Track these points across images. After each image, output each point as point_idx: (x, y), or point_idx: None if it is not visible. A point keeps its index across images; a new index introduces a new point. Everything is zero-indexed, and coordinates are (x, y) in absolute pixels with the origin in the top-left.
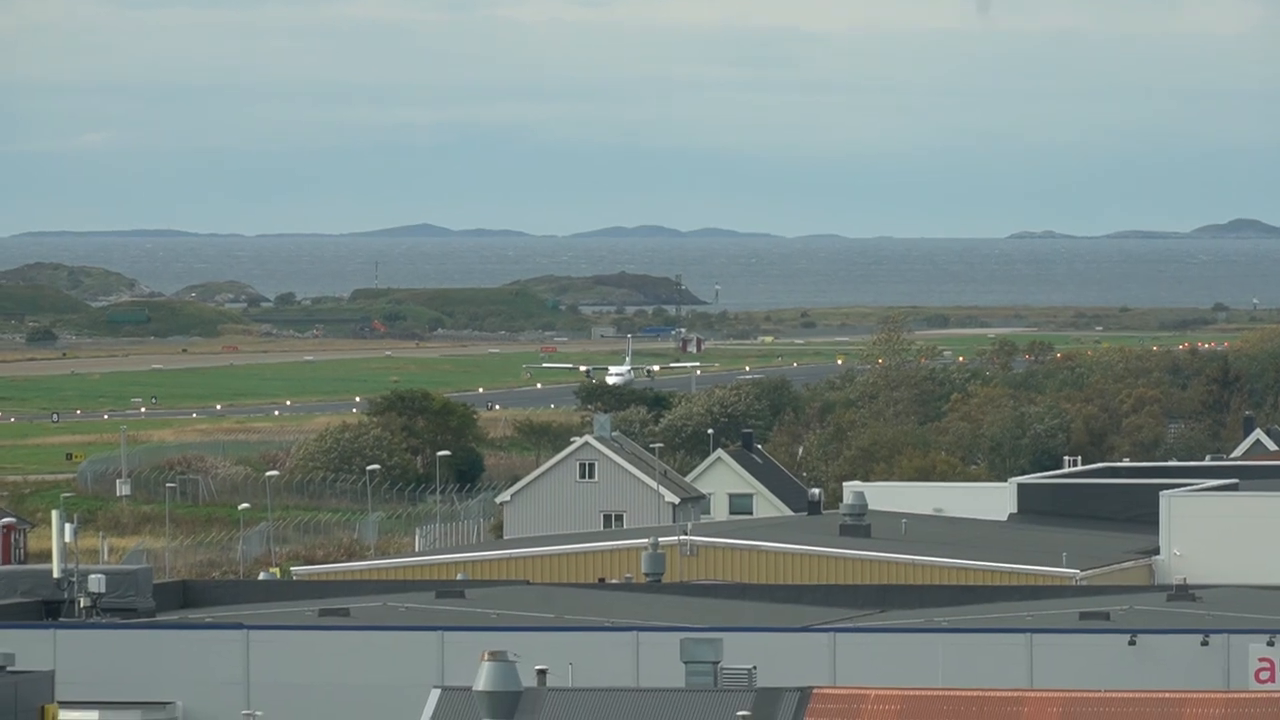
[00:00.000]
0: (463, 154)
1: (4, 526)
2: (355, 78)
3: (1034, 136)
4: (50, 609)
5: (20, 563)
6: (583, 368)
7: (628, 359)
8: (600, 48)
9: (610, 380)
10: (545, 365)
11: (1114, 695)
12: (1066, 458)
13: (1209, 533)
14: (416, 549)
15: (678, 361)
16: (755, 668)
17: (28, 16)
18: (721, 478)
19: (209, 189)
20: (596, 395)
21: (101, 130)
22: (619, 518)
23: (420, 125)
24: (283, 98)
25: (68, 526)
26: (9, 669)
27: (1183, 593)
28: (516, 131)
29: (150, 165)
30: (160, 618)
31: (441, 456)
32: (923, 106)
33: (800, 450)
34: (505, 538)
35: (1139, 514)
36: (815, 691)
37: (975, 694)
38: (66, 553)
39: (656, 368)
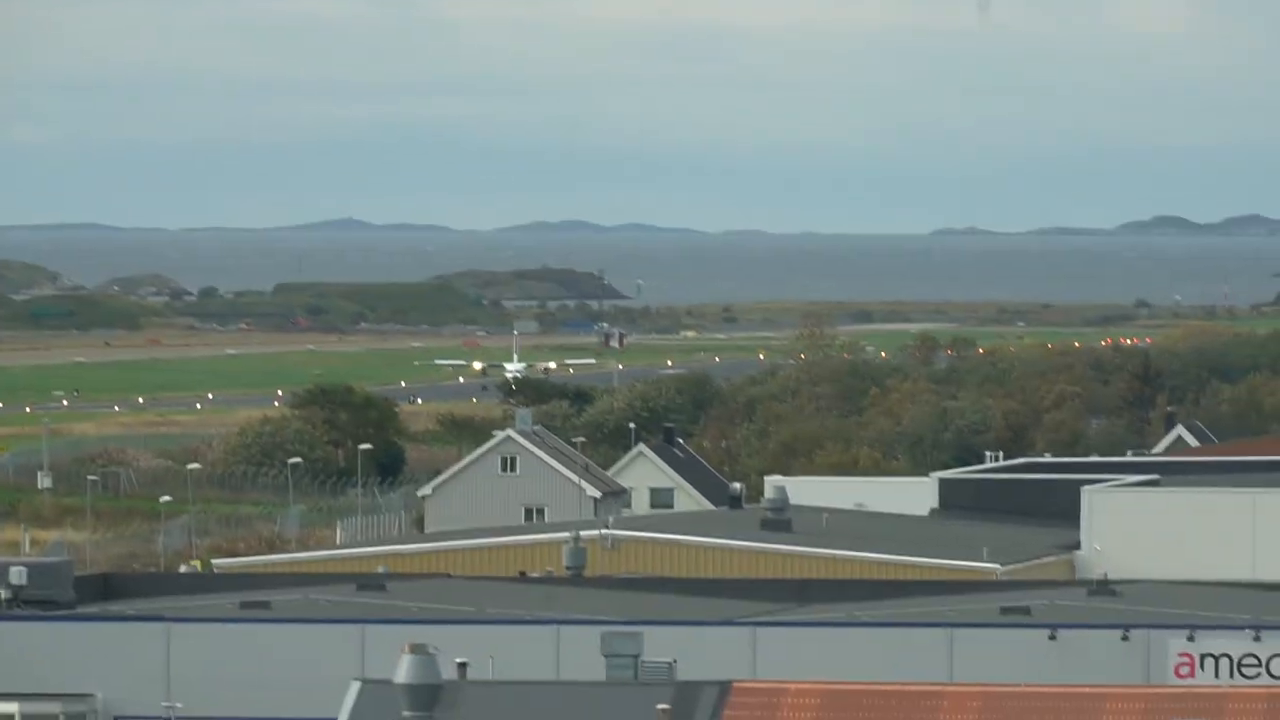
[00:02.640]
0: (386, 149)
1: None
2: (280, 72)
3: (957, 133)
4: None
5: None
6: (477, 365)
7: (515, 355)
8: (526, 43)
9: (507, 376)
10: (438, 362)
11: (1034, 690)
12: (988, 453)
13: (1130, 528)
14: (338, 542)
15: (597, 357)
16: (675, 661)
17: None
18: (643, 472)
19: (131, 182)
20: (519, 389)
21: (23, 123)
22: (540, 512)
23: (345, 120)
24: (207, 91)
25: None
26: None
27: (1103, 588)
28: (441, 126)
29: (72, 158)
30: (81, 610)
31: (363, 450)
32: (847, 103)
33: (725, 444)
34: (426, 531)
35: (1060, 509)
36: (735, 685)
37: (895, 688)
38: None
39: (553, 364)
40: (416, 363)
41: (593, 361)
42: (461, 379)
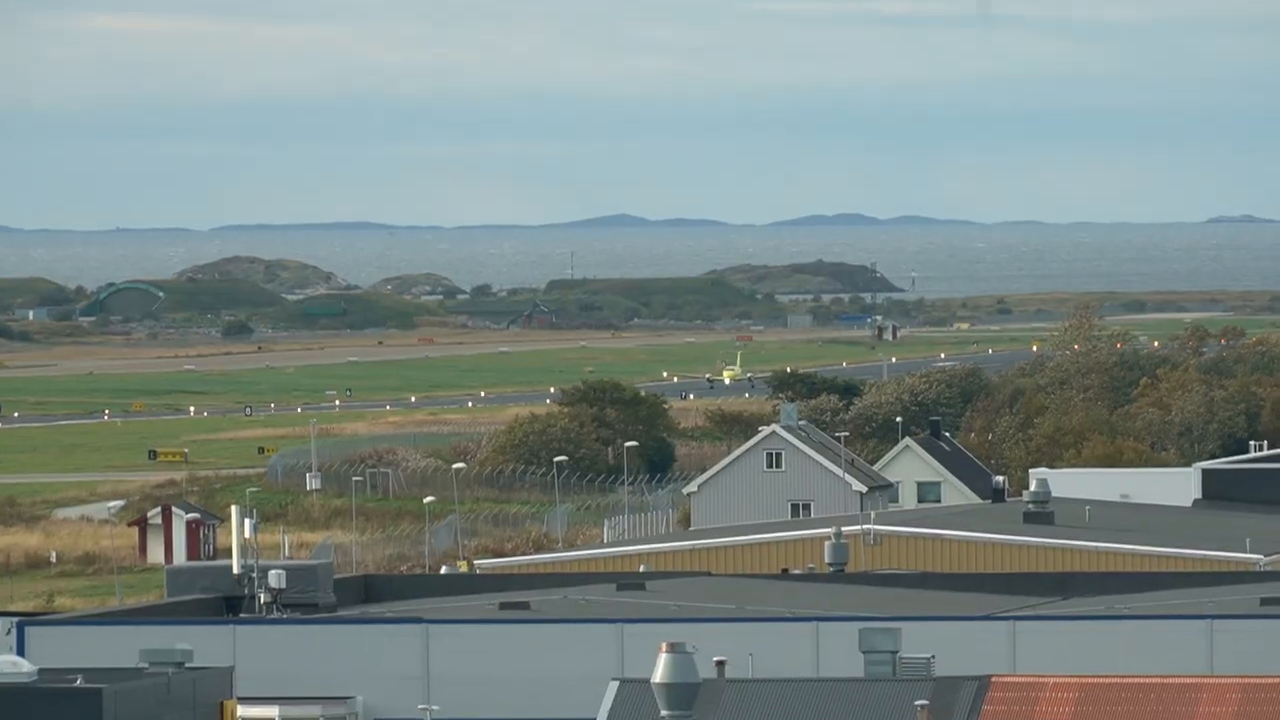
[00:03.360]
0: (660, 141)
1: (191, 522)
2: (552, 67)
3: (1232, 118)
4: (230, 605)
5: (210, 558)
6: (706, 376)
7: (739, 362)
8: (803, 33)
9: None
10: (664, 374)
11: None
12: (1252, 443)
13: None
14: (604, 541)
15: (870, 350)
16: (934, 657)
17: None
18: (909, 466)
19: (405, 182)
20: (788, 384)
21: (299, 126)
22: (806, 507)
23: (622, 114)
24: (478, 94)
25: (247, 522)
26: (188, 665)
27: None
28: (716, 118)
29: (347, 157)
30: (340, 613)
31: (630, 447)
32: (1119, 89)
33: (990, 436)
34: (692, 528)
35: None
36: (994, 680)
37: (1154, 681)
38: (247, 548)
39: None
40: (666, 373)
41: (843, 366)
42: (709, 382)
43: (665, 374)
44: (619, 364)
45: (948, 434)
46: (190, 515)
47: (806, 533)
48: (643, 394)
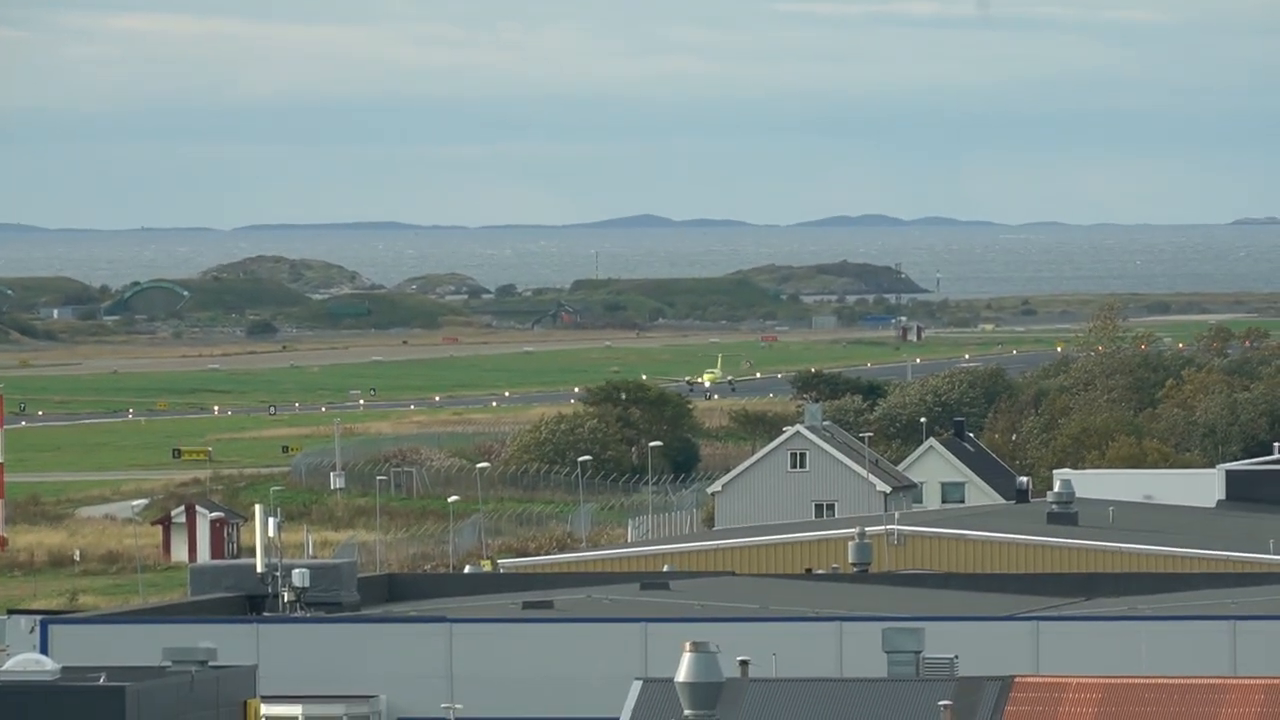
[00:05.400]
0: (683, 142)
1: (215, 521)
2: (576, 69)
3: (1257, 119)
4: (254, 604)
5: (234, 557)
6: (686, 379)
7: (718, 365)
8: (825, 31)
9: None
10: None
11: None
12: (1276, 444)
13: None
14: (629, 540)
15: (898, 352)
16: (957, 657)
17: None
18: (933, 466)
19: (430, 181)
20: (812, 384)
21: (332, 126)
22: (830, 507)
23: (647, 115)
24: (507, 96)
25: (271, 521)
26: (211, 664)
27: None
28: (741, 119)
29: (372, 157)
30: (364, 611)
31: (655, 447)
32: (1148, 93)
33: (1014, 437)
34: (716, 528)
35: None
36: (1017, 680)
37: (1177, 682)
38: (271, 547)
39: (757, 375)
40: (645, 375)
41: (867, 366)
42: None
43: (644, 377)
44: (643, 364)
45: (972, 435)
46: (214, 514)
47: (830, 533)
48: (666, 393)
